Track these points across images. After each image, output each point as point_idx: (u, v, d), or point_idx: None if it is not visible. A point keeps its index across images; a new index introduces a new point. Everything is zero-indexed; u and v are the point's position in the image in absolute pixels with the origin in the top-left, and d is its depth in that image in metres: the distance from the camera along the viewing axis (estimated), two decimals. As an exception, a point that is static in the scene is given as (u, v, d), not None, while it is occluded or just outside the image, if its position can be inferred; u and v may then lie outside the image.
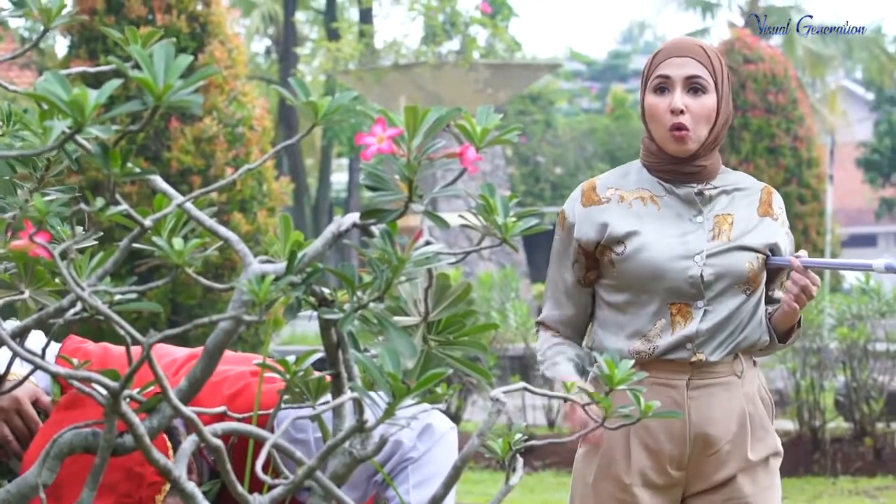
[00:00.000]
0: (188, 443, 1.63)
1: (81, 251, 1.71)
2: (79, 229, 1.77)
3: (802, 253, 3.40)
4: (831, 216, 16.20)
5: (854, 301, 9.61)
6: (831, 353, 9.62)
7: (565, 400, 1.87)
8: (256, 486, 1.82)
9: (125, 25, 1.83)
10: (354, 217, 1.66)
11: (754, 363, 3.48)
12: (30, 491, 1.72)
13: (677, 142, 3.37)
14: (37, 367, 1.61)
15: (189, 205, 1.64)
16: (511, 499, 7.98)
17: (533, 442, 1.86)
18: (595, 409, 1.77)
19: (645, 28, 49.97)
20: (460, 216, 1.80)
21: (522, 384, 1.79)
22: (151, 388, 1.75)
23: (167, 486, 2.48)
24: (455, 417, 10.34)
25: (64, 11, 1.88)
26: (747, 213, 3.44)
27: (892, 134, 35.72)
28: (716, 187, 3.44)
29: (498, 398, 1.66)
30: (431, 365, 1.66)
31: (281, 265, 1.60)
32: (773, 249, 3.42)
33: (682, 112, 3.36)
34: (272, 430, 1.85)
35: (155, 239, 1.60)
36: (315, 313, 1.65)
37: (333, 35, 22.17)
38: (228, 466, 1.63)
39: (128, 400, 1.62)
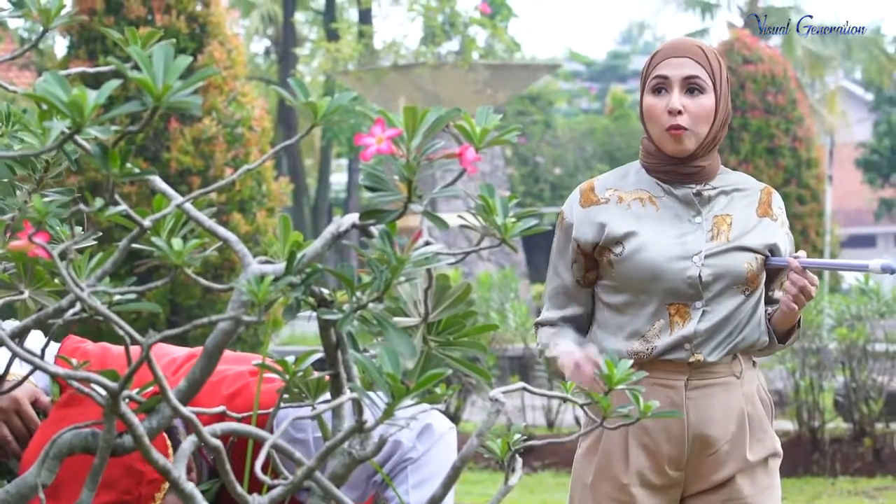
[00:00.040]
0: (187, 443, 1.63)
1: (81, 251, 1.71)
2: (78, 230, 1.77)
3: (801, 253, 3.41)
4: (830, 217, 16.21)
5: (853, 301, 9.61)
6: (830, 353, 9.62)
7: (564, 400, 1.87)
8: (256, 486, 1.82)
9: (124, 26, 1.83)
10: (354, 217, 1.66)
11: (754, 364, 3.48)
12: (29, 491, 1.72)
13: (675, 141, 3.37)
14: (36, 367, 1.61)
15: (188, 205, 1.64)
16: (510, 499, 7.98)
17: (532, 442, 1.87)
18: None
19: (644, 28, 49.93)
20: (459, 217, 1.80)
21: (521, 384, 1.79)
22: (151, 388, 1.75)
23: (167, 484, 2.49)
24: (454, 418, 10.34)
25: (63, 12, 1.88)
26: (746, 214, 3.44)
27: (891, 134, 35.72)
28: (714, 188, 3.45)
29: (497, 398, 1.66)
30: (431, 365, 1.66)
31: (280, 266, 1.60)
32: (773, 250, 3.42)
33: (679, 112, 3.36)
34: (271, 430, 1.85)
35: (154, 239, 1.61)
36: (314, 314, 1.65)
37: (333, 35, 22.16)
38: (228, 467, 1.63)
39: (127, 400, 1.62)
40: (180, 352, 2.78)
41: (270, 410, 1.91)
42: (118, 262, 1.64)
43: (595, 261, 3.45)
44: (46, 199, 1.73)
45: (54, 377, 1.81)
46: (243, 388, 2.64)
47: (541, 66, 20.38)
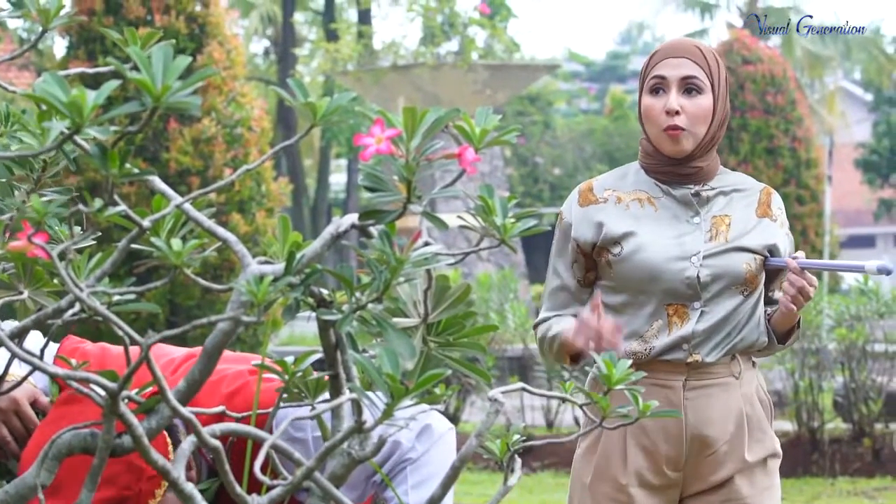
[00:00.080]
0: (187, 444, 1.63)
1: (80, 252, 1.71)
2: (77, 230, 1.77)
3: (799, 254, 3.40)
4: (830, 217, 16.21)
5: (852, 302, 9.62)
6: (830, 353, 9.63)
7: (564, 400, 1.87)
8: (255, 486, 1.82)
9: (124, 26, 1.83)
10: (353, 218, 1.66)
11: (753, 364, 3.48)
12: (28, 491, 1.72)
13: (672, 141, 3.37)
14: (35, 367, 1.61)
15: (187, 205, 1.64)
16: (509, 499, 7.98)
17: (531, 442, 1.87)
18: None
19: (644, 29, 49.95)
20: (459, 217, 1.80)
21: (521, 385, 1.79)
22: (150, 388, 1.75)
23: (167, 481, 2.49)
24: (453, 418, 10.34)
25: (62, 12, 1.88)
26: (745, 214, 3.44)
27: (890, 135, 35.72)
28: (713, 188, 3.44)
29: (496, 399, 1.66)
30: (430, 366, 1.66)
31: (279, 266, 1.60)
32: (772, 250, 3.42)
33: (676, 113, 3.36)
34: (271, 430, 1.85)
35: (153, 240, 1.61)
36: (313, 314, 1.65)
37: (332, 36, 22.17)
38: (227, 467, 1.63)
39: (126, 401, 1.62)
40: (179, 352, 2.78)
41: (270, 410, 1.91)
42: (117, 263, 1.64)
43: (594, 261, 3.45)
44: (45, 200, 1.73)
45: (53, 377, 1.81)
46: (243, 386, 2.64)
47: (540, 67, 20.37)
